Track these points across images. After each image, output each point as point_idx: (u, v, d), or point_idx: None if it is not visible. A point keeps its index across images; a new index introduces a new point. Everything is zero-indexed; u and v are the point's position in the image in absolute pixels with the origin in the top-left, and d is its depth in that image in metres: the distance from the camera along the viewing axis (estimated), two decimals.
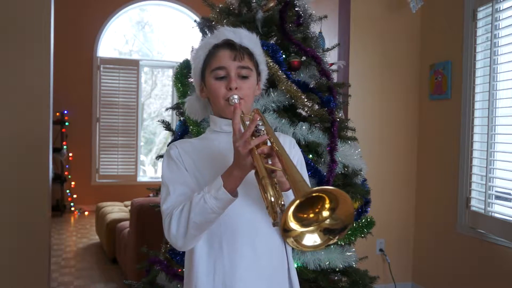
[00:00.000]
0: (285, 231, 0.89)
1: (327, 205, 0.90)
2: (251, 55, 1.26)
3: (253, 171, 1.06)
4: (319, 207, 0.91)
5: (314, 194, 0.88)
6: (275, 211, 0.94)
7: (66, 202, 6.61)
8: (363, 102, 3.51)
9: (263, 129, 1.04)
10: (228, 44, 1.24)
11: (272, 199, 0.94)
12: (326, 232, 0.91)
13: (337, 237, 0.92)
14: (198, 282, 1.19)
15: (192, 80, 2.18)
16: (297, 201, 0.85)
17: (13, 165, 2.77)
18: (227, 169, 1.09)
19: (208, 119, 1.35)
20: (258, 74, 1.31)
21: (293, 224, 0.90)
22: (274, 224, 0.94)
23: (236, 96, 1.20)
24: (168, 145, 1.30)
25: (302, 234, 0.91)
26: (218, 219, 1.13)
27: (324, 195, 0.89)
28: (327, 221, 0.91)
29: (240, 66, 1.22)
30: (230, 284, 1.17)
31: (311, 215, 0.91)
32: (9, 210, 2.76)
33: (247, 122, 1.15)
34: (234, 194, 1.08)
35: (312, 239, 0.91)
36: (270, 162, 1.04)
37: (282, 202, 0.95)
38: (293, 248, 1.07)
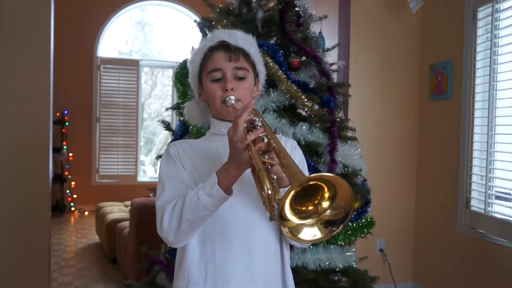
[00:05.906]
0: (282, 219, 0.87)
1: (326, 195, 0.88)
2: (247, 56, 1.25)
3: (249, 170, 1.04)
4: (318, 198, 0.89)
5: (311, 183, 0.86)
6: (272, 205, 0.91)
7: (66, 202, 6.61)
8: (363, 102, 3.51)
9: (260, 124, 1.02)
10: (223, 46, 1.23)
11: (269, 192, 0.91)
12: (328, 224, 0.89)
13: (341, 227, 0.90)
14: (189, 282, 1.18)
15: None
16: (295, 189, 0.83)
17: (13, 165, 2.77)
18: (223, 165, 1.06)
19: (208, 123, 1.34)
20: (256, 75, 1.29)
21: (290, 216, 0.88)
22: (271, 218, 0.92)
23: (232, 97, 1.18)
24: (168, 144, 1.29)
25: (299, 227, 0.89)
26: (213, 219, 1.12)
27: (322, 184, 0.87)
28: (328, 212, 0.89)
29: (235, 67, 1.21)
30: (221, 286, 1.16)
31: (310, 207, 0.89)
32: (9, 210, 2.76)
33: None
34: (229, 192, 1.06)
35: (311, 233, 0.89)
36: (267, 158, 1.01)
37: (279, 197, 0.92)
38: (291, 248, 1.04)
